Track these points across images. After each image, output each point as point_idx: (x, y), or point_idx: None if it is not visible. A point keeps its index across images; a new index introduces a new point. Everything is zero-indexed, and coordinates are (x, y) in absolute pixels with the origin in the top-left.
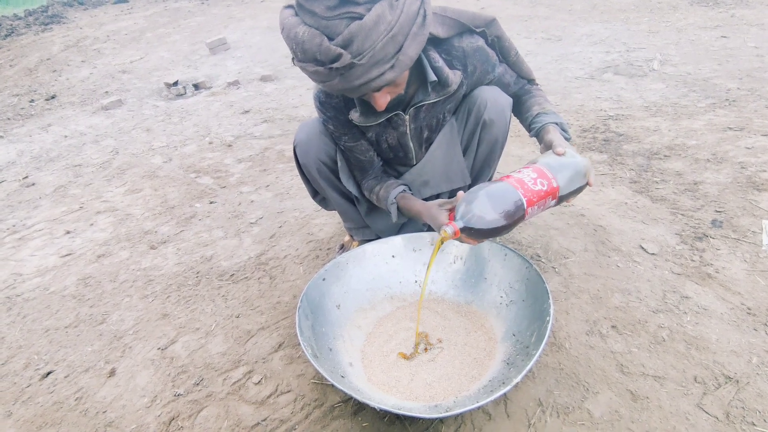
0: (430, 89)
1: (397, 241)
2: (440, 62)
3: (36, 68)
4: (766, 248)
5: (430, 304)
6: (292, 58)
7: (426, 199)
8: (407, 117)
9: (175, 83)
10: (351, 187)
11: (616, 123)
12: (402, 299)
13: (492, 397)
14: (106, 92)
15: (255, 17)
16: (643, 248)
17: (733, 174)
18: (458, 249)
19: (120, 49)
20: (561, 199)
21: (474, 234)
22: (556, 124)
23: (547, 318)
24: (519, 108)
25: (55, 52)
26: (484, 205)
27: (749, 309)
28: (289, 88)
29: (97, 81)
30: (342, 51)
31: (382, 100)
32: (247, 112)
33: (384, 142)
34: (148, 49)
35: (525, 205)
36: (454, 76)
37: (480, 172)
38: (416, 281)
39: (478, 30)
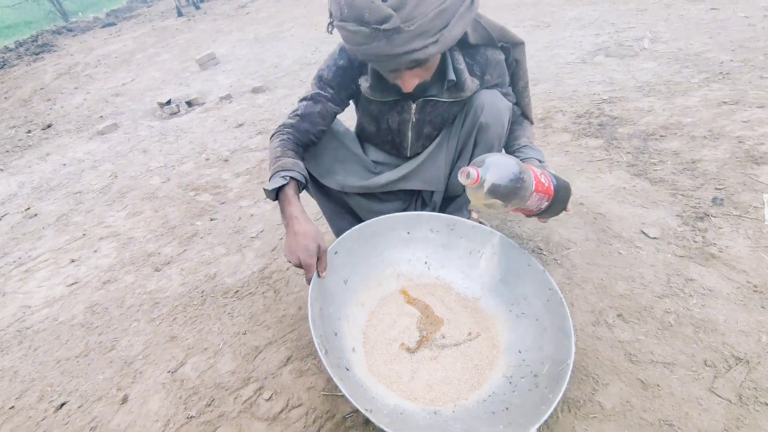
0: (445, 87)
1: (413, 217)
2: (462, 65)
3: (30, 98)
4: None
5: (437, 290)
6: (330, 23)
7: (389, 194)
8: (414, 106)
9: (168, 102)
10: (332, 183)
11: (610, 106)
12: (408, 278)
13: None
14: (101, 117)
15: (242, 30)
16: (644, 233)
17: (731, 149)
18: (478, 242)
19: (111, 73)
20: (548, 208)
21: (486, 189)
22: (540, 162)
23: (568, 361)
24: (507, 134)
25: (47, 80)
26: (503, 162)
27: (755, 287)
28: (281, 98)
29: (91, 106)
30: (393, 12)
31: (411, 82)
32: (241, 125)
33: (384, 122)
34: (138, 71)
35: (534, 184)
36: (471, 84)
37: None
38: (426, 262)
39: (503, 46)
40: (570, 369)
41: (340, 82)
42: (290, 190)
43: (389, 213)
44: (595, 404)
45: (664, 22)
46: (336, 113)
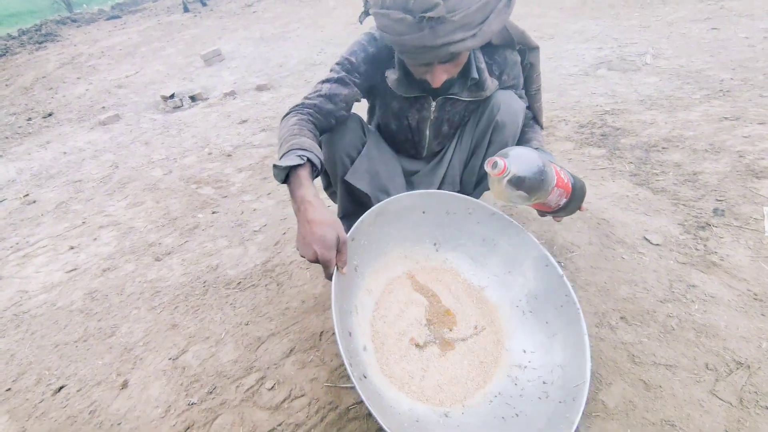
0: (467, 86)
1: (432, 195)
2: (483, 64)
3: (32, 87)
4: None
5: (444, 276)
6: (364, 12)
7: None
8: (434, 104)
9: (172, 96)
10: (363, 185)
11: (613, 117)
12: (415, 260)
13: None
14: (103, 107)
15: (248, 28)
16: (647, 239)
17: (732, 163)
18: (494, 231)
19: (115, 65)
20: (566, 205)
21: (511, 181)
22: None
23: (584, 383)
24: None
25: (50, 69)
26: (528, 154)
27: (756, 295)
28: (285, 97)
29: (93, 97)
30: (439, 0)
31: (440, 77)
32: (244, 121)
33: (404, 119)
34: (143, 64)
35: (555, 179)
36: (491, 83)
37: (486, 173)
38: (435, 243)
39: (519, 49)
40: (587, 388)
41: (368, 69)
42: (304, 172)
43: None
44: (598, 403)
45: (666, 39)
46: (357, 101)
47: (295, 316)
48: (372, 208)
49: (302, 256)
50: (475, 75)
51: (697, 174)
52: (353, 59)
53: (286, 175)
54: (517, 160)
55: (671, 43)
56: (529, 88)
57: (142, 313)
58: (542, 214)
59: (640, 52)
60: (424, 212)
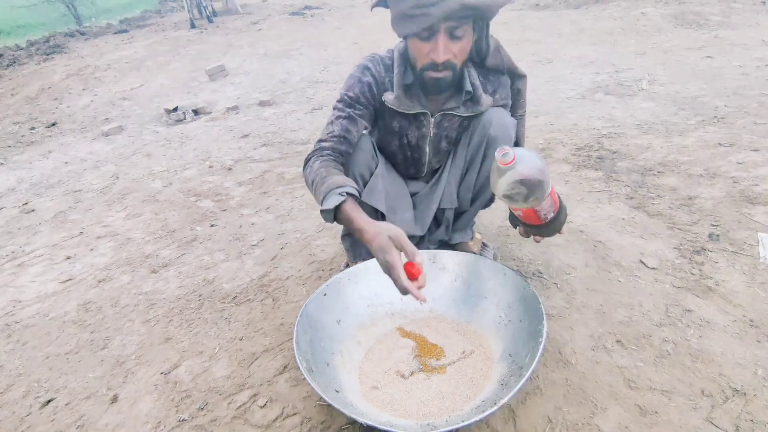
0: (462, 98)
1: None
2: (477, 81)
3: (37, 96)
4: (763, 260)
5: (432, 322)
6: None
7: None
8: (433, 120)
9: (175, 109)
10: (378, 204)
11: (610, 141)
12: (403, 316)
13: (477, 417)
14: (107, 119)
15: (253, 45)
16: (643, 263)
17: (727, 188)
18: (458, 267)
19: (121, 77)
20: (552, 221)
21: (515, 173)
22: None
23: (540, 339)
24: None
25: (56, 80)
26: (532, 154)
27: (752, 321)
28: (288, 113)
29: (97, 108)
30: None
31: (444, 47)
32: (246, 136)
33: (405, 137)
34: (148, 77)
35: (551, 186)
36: (486, 99)
37: (482, 188)
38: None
39: (509, 75)
40: (542, 346)
41: (369, 98)
42: (348, 206)
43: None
44: (593, 427)
45: (661, 66)
46: (366, 129)
47: (289, 333)
48: (341, 273)
49: (388, 274)
50: (469, 88)
51: (692, 198)
52: (352, 93)
53: (334, 216)
54: (524, 155)
55: (667, 69)
56: (514, 112)
57: (135, 325)
58: (526, 231)
59: (637, 78)
60: None
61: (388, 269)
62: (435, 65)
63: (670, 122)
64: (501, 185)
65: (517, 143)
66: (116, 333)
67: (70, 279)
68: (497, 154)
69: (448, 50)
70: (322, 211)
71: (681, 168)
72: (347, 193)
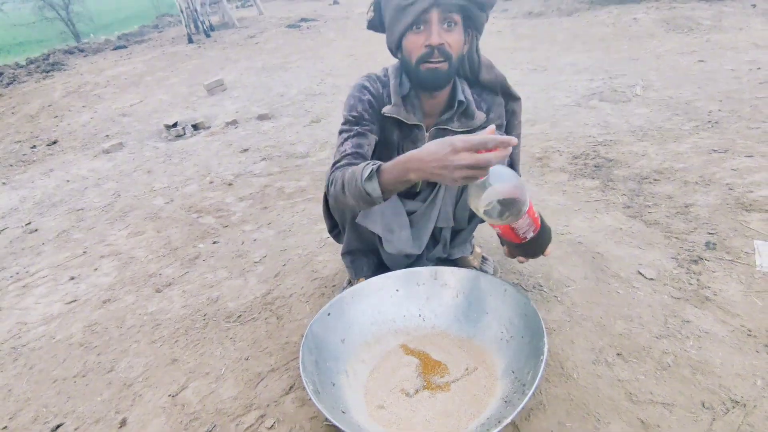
0: (455, 111)
1: (400, 275)
2: (471, 97)
3: (37, 115)
4: (759, 269)
5: (435, 338)
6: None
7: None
8: (427, 135)
9: (175, 124)
10: (374, 227)
11: (605, 149)
12: (406, 333)
13: None
14: (107, 135)
15: (250, 58)
16: (641, 273)
17: (722, 195)
18: (460, 283)
19: (120, 94)
20: (533, 241)
21: (489, 189)
22: None
23: (542, 357)
24: None
25: (56, 98)
26: (505, 169)
27: (749, 331)
28: (286, 126)
29: (97, 125)
30: None
31: (438, 32)
32: (246, 150)
33: (401, 151)
34: (147, 93)
35: (528, 204)
36: (479, 115)
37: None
38: (420, 315)
39: (504, 95)
40: (543, 364)
41: (371, 113)
42: (385, 166)
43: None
44: None
45: (655, 71)
46: (376, 142)
47: (294, 351)
48: (344, 293)
49: (454, 181)
50: (462, 98)
51: (688, 206)
52: (355, 113)
53: (379, 184)
54: (498, 171)
55: (660, 74)
56: (509, 134)
57: (141, 347)
58: (512, 251)
59: (631, 84)
60: (398, 290)
61: (473, 163)
62: (431, 51)
63: (664, 128)
64: (476, 202)
65: (511, 165)
66: (123, 355)
67: (75, 300)
68: None
69: (442, 37)
70: (365, 192)
71: (676, 175)
72: (373, 164)
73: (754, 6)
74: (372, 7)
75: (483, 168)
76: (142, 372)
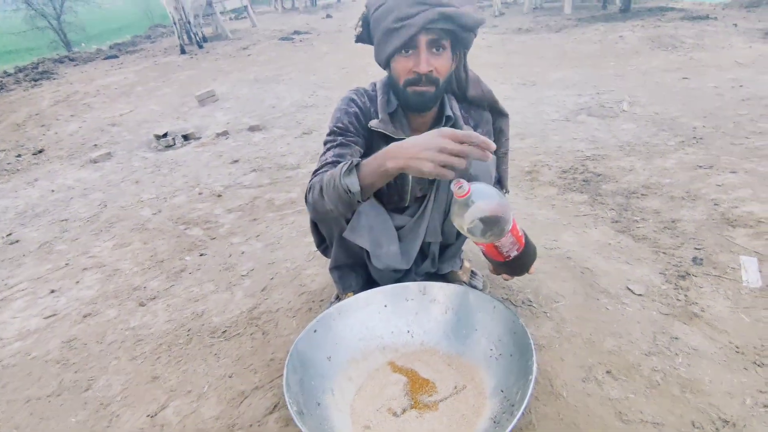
0: (443, 124)
1: (388, 290)
2: (458, 112)
3: (24, 123)
4: (746, 284)
5: (423, 355)
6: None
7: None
8: None
9: (165, 135)
10: (362, 241)
11: (594, 163)
12: (394, 350)
13: None
14: (95, 145)
15: (243, 70)
16: (630, 289)
17: (708, 211)
18: (448, 299)
19: (110, 103)
20: (516, 259)
21: (472, 207)
22: None
23: (530, 377)
24: None
25: (44, 107)
26: (489, 188)
27: (737, 347)
28: (277, 138)
29: (86, 134)
30: None
31: (426, 59)
32: (236, 161)
33: None
34: (137, 103)
35: (512, 222)
36: (467, 129)
37: None
38: (408, 331)
39: (492, 111)
40: (532, 384)
41: (357, 126)
42: (365, 160)
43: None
44: None
45: (641, 87)
46: (361, 154)
47: (279, 368)
48: (331, 308)
49: (424, 173)
50: (450, 113)
51: (675, 222)
52: (340, 124)
53: (358, 179)
54: (480, 188)
55: (646, 91)
56: (497, 150)
57: (122, 363)
58: (496, 268)
59: (618, 99)
60: (386, 305)
61: (451, 153)
62: (418, 78)
63: (651, 143)
64: (458, 219)
65: (499, 182)
66: (101, 372)
67: (54, 314)
68: (453, 187)
69: (430, 63)
70: (345, 190)
71: (663, 190)
72: (351, 161)
73: (735, 25)
74: (360, 23)
75: (462, 158)
76: (120, 390)
